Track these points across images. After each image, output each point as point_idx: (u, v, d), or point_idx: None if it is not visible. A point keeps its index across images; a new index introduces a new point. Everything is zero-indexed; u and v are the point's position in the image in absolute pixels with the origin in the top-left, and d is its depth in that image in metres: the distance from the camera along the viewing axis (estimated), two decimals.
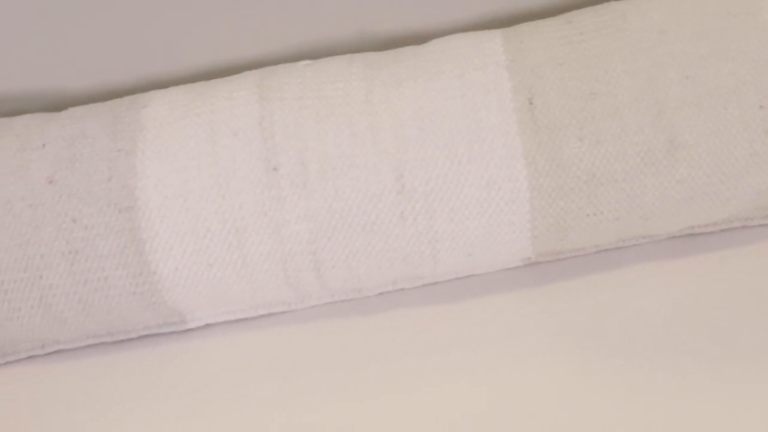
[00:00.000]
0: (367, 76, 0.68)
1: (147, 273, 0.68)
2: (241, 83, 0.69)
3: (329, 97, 0.67)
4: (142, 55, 0.74)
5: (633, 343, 0.67)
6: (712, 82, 0.64)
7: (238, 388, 0.69)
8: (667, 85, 0.64)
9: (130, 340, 0.75)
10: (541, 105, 0.65)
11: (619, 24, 0.67)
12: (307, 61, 0.71)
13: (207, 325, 0.74)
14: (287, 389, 0.67)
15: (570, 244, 0.69)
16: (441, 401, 0.64)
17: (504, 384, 0.65)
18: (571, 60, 0.66)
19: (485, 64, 0.67)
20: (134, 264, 0.68)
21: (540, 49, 0.67)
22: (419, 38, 0.73)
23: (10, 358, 0.75)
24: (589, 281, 0.71)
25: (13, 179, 0.69)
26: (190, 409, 0.68)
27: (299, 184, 0.66)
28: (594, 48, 0.67)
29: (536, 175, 0.65)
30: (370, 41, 0.74)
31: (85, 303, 0.69)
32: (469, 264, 0.69)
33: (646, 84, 0.65)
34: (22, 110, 0.75)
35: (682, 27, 0.66)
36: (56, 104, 0.75)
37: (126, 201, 0.67)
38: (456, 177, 0.65)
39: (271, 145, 0.66)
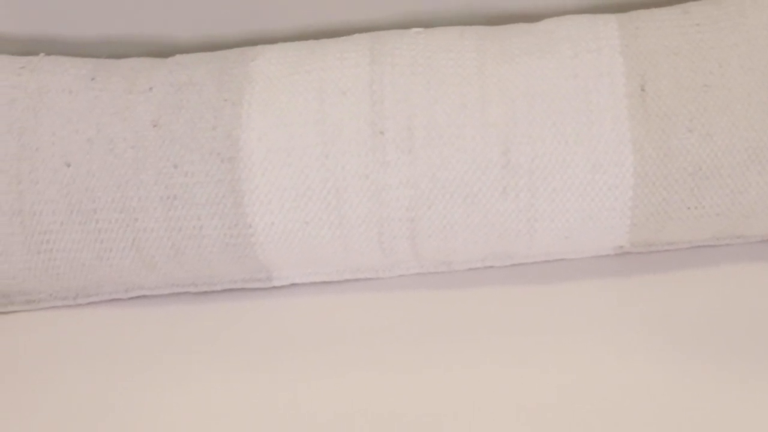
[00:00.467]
0: (479, 49, 0.68)
1: (242, 225, 0.69)
2: (352, 45, 0.70)
3: (441, 66, 0.68)
4: (251, 9, 0.75)
5: (717, 342, 0.67)
6: None
7: (317, 350, 0.69)
8: None
9: (214, 292, 0.76)
10: (653, 92, 0.66)
11: (736, 18, 0.68)
12: (419, 29, 0.71)
13: (292, 285, 0.75)
14: (366, 355, 0.68)
15: (666, 236, 0.69)
16: (518, 381, 0.64)
17: (583, 369, 0.65)
18: (686, 50, 0.66)
19: (600, 47, 0.67)
20: (231, 215, 0.69)
21: (655, 37, 0.67)
22: (527, 18, 0.73)
23: (93, 298, 0.76)
24: (680, 277, 0.71)
25: (118, 120, 0.70)
26: (266, 364, 0.68)
27: (404, 149, 0.66)
28: (710, 40, 0.67)
29: (642, 163, 0.65)
30: (478, 16, 0.74)
31: (176, 250, 0.70)
32: (563, 247, 0.70)
33: (761, 81, 0.65)
34: (127, 55, 0.76)
35: None
36: (160, 52, 0.76)
37: (229, 151, 0.68)
38: (562, 157, 0.65)
39: (380, 108, 0.67)
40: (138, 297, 0.77)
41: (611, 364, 0.65)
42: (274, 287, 0.75)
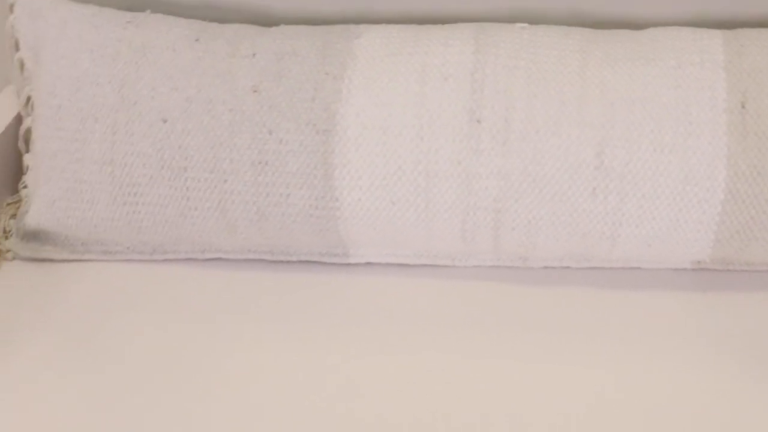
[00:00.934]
0: (582, 50, 0.70)
1: (329, 198, 0.70)
2: (458, 32, 0.71)
3: (543, 62, 0.69)
4: None
5: None
6: None
7: (382, 328, 0.71)
8: None
9: (288, 262, 0.77)
10: (753, 110, 0.67)
11: None
12: (523, 24, 0.73)
13: (367, 263, 0.76)
14: (429, 339, 0.69)
15: (747, 256, 0.70)
16: (580, 382, 0.65)
17: (644, 377, 0.65)
18: None
19: (703, 60, 0.68)
20: (319, 186, 0.70)
21: (759, 56, 0.68)
22: (632, 26, 0.74)
23: (169, 256, 0.78)
24: (756, 299, 0.72)
25: (219, 82, 0.72)
26: (329, 336, 0.70)
27: (499, 140, 0.68)
28: None
29: (735, 179, 0.66)
30: (583, 19, 0.75)
31: (260, 215, 0.72)
32: (644, 255, 0.71)
33: None
34: (228, 21, 0.78)
35: None
36: (261, 23, 0.78)
37: (325, 123, 0.70)
38: (656, 164, 0.67)
39: (479, 97, 0.68)
40: (213, 259, 0.78)
41: (676, 375, 0.66)
42: (349, 264, 0.76)
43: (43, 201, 0.77)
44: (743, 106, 0.67)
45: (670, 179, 0.67)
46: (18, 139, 0.82)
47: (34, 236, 0.79)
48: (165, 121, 0.72)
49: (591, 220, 0.68)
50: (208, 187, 0.72)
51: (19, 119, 0.83)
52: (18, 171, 0.83)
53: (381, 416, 0.63)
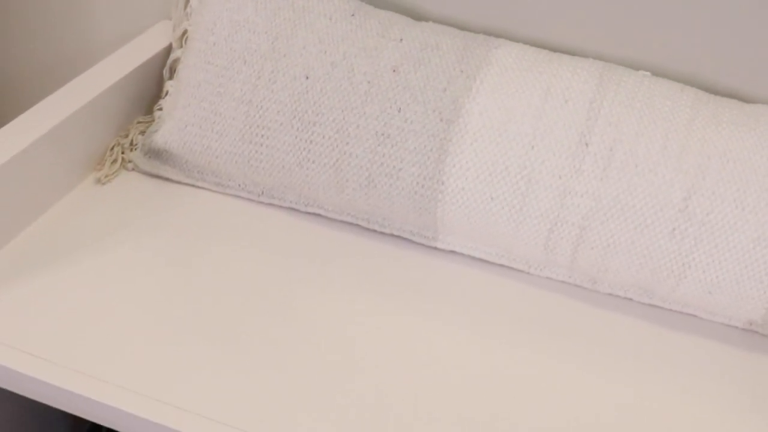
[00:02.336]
0: (694, 106, 0.80)
1: (436, 180, 0.81)
2: (587, 65, 0.82)
3: (656, 108, 0.79)
4: (501, 8, 0.88)
5: None
6: None
7: (449, 315, 0.80)
8: None
9: (381, 233, 0.87)
10: None
11: None
12: (646, 72, 0.83)
13: (452, 252, 0.86)
14: (494, 332, 0.79)
15: None
16: (601, 396, 0.74)
17: (665, 407, 0.74)
18: None
19: None
20: (431, 168, 0.81)
21: None
22: (741, 98, 0.85)
23: (274, 201, 0.89)
24: None
25: (364, 56, 0.83)
26: (399, 309, 0.80)
27: (600, 165, 0.78)
28: None
29: None
30: (698, 82, 0.86)
31: (370, 182, 0.83)
32: (702, 302, 0.80)
33: None
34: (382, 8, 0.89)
35: None
36: (411, 17, 0.89)
37: (450, 114, 0.80)
38: (734, 219, 0.76)
39: (593, 124, 0.79)
40: (313, 214, 0.88)
41: (694, 411, 0.75)
42: (435, 248, 0.86)
43: (177, 123, 0.88)
44: None
45: (743, 236, 0.76)
46: (164, 67, 0.93)
47: (157, 154, 0.90)
48: (307, 78, 0.83)
49: (664, 256, 0.78)
50: (330, 144, 0.83)
51: (168, 50, 0.94)
52: (156, 95, 0.94)
53: (414, 380, 0.72)
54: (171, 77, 0.92)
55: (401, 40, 0.83)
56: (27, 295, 0.76)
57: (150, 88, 0.94)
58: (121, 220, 0.85)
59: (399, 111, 0.81)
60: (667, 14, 0.85)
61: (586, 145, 0.78)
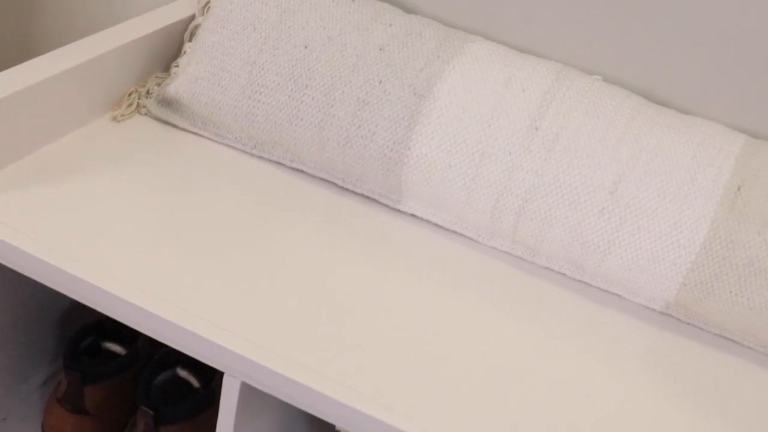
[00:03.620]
0: (635, 108, 0.94)
1: (403, 145, 0.95)
2: (546, 64, 0.97)
3: (601, 105, 0.94)
4: (483, 11, 1.03)
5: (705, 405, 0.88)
6: None
7: (405, 267, 0.94)
8: None
9: (352, 192, 1.02)
10: (745, 195, 0.90)
11: None
12: (598, 77, 0.98)
13: (412, 215, 1.00)
14: (441, 285, 0.92)
15: (703, 309, 0.92)
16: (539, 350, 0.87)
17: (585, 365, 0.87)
18: None
19: (722, 147, 0.92)
20: (400, 133, 0.95)
21: (766, 160, 0.92)
22: (681, 110, 0.99)
23: (264, 155, 1.03)
24: (701, 353, 0.93)
25: (357, 34, 0.98)
26: (362, 258, 0.93)
27: (546, 147, 0.92)
28: None
29: (712, 239, 0.89)
30: (646, 95, 1.01)
31: (347, 141, 0.97)
32: (624, 278, 0.93)
33: None
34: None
35: None
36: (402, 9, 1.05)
37: (423, 90, 0.95)
38: (656, 206, 0.90)
39: (544, 111, 0.93)
40: (297, 170, 1.03)
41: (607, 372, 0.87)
42: (399, 211, 1.00)
43: (189, 77, 1.03)
44: (739, 189, 0.90)
45: (663, 221, 0.90)
46: (185, 31, 1.09)
47: (168, 103, 1.06)
48: (306, 47, 0.98)
49: (592, 232, 0.92)
50: (317, 105, 0.97)
51: (190, 19, 1.10)
52: (175, 56, 1.10)
53: (373, 316, 0.86)
54: (190, 40, 1.08)
55: (390, 25, 0.99)
56: (37, 196, 0.91)
57: (170, 49, 1.10)
58: (128, 152, 1.00)
59: (380, 83, 0.96)
60: (629, 34, 1.00)
61: (536, 129, 0.93)
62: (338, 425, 0.79)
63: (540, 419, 0.80)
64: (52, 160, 0.96)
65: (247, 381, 0.80)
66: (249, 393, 0.83)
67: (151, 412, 0.97)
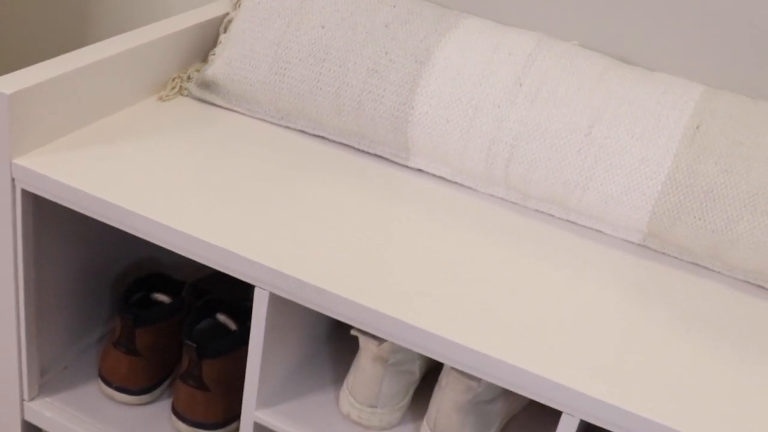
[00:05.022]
0: (607, 66, 1.12)
1: (408, 105, 1.13)
2: (530, 33, 1.15)
3: (578, 62, 1.11)
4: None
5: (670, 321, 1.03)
6: None
7: (418, 211, 1.10)
8: None
9: (367, 153, 1.20)
10: (703, 132, 1.06)
11: None
12: (576, 42, 1.16)
13: (419, 170, 1.18)
14: (449, 230, 1.08)
15: (673, 236, 1.08)
16: (531, 274, 1.02)
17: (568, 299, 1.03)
18: (738, 119, 1.07)
19: (683, 94, 1.09)
20: (405, 95, 1.13)
21: (724, 104, 1.08)
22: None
23: (290, 124, 1.22)
24: (675, 276, 1.09)
25: (366, 14, 1.17)
26: (378, 205, 1.09)
27: (529, 99, 1.10)
28: (756, 118, 1.07)
29: (675, 171, 1.05)
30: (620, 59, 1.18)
31: (360, 105, 1.15)
32: (602, 212, 1.09)
33: None
34: None
35: None
36: None
37: (423, 57, 1.14)
38: (626, 144, 1.07)
39: (527, 70, 1.11)
40: (319, 136, 1.21)
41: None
42: (407, 167, 1.18)
43: (224, 59, 1.23)
44: (698, 128, 1.07)
45: (632, 157, 1.06)
46: (220, 25, 1.29)
47: (206, 85, 1.25)
48: (323, 27, 1.17)
49: (572, 170, 1.09)
50: (333, 75, 1.16)
51: (225, 14, 1.30)
52: (213, 48, 1.30)
53: (385, 245, 1.03)
54: (225, 32, 1.27)
55: (394, 6, 1.17)
56: (98, 153, 1.10)
57: (208, 43, 1.29)
58: (173, 124, 1.19)
59: (386, 54, 1.15)
60: (605, 8, 1.18)
61: (520, 85, 1.11)
62: (356, 325, 0.95)
63: (533, 324, 0.95)
64: (109, 129, 1.15)
65: (275, 291, 0.97)
66: (277, 303, 1.00)
67: (195, 345, 1.14)
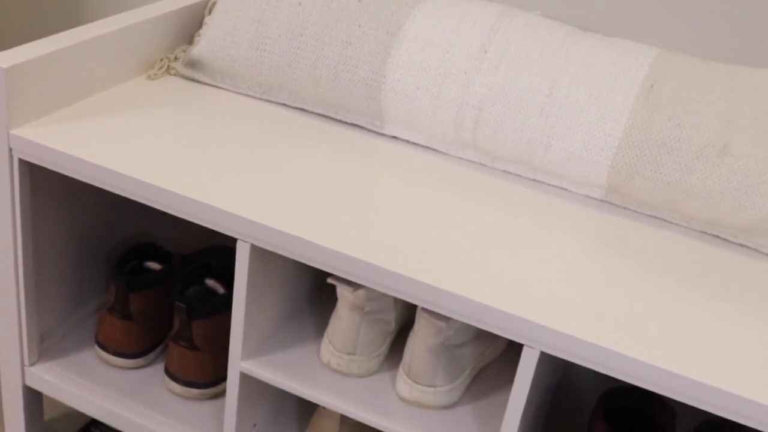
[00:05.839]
0: (567, 33, 1.20)
1: (381, 74, 1.22)
2: (495, 4, 1.23)
3: (538, 32, 1.20)
4: None
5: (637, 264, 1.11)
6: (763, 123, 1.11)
7: (393, 174, 1.18)
8: (739, 114, 1.12)
9: (345, 123, 1.28)
10: (657, 91, 1.15)
11: (727, 78, 1.16)
12: (538, 12, 1.24)
13: (393, 137, 1.26)
14: (422, 186, 1.16)
15: (633, 190, 1.16)
16: (497, 226, 1.11)
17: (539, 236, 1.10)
18: (690, 78, 1.15)
19: (638, 57, 1.17)
20: (378, 64, 1.22)
21: (677, 65, 1.17)
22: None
23: (272, 98, 1.30)
24: (635, 228, 1.17)
25: None
26: (357, 167, 1.17)
27: (493, 65, 1.18)
28: (706, 77, 1.16)
29: (631, 126, 1.14)
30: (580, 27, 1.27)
31: (336, 76, 1.24)
32: (565, 169, 1.18)
33: (728, 108, 1.13)
34: None
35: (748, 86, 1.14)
36: None
37: (394, 29, 1.22)
38: (585, 102, 1.15)
39: (491, 38, 1.19)
40: (299, 108, 1.30)
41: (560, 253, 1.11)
42: (383, 134, 1.27)
43: (208, 39, 1.31)
44: (652, 86, 1.15)
45: (590, 115, 1.15)
46: (205, 8, 1.38)
47: (192, 64, 1.34)
48: (300, 4, 1.26)
49: (535, 130, 1.17)
50: (310, 49, 1.25)
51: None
52: (198, 29, 1.39)
53: (362, 201, 1.11)
54: (210, 14, 1.36)
55: None
56: (91, 126, 1.18)
57: (194, 25, 1.38)
58: (161, 100, 1.27)
59: (359, 27, 1.23)
60: None
61: (485, 51, 1.19)
62: (332, 272, 1.03)
63: (497, 269, 1.03)
64: (100, 104, 1.24)
65: (256, 243, 1.06)
66: (258, 255, 1.08)
67: (184, 306, 1.22)
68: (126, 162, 1.10)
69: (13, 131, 1.13)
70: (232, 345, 1.13)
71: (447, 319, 1.05)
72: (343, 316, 1.10)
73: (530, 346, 0.96)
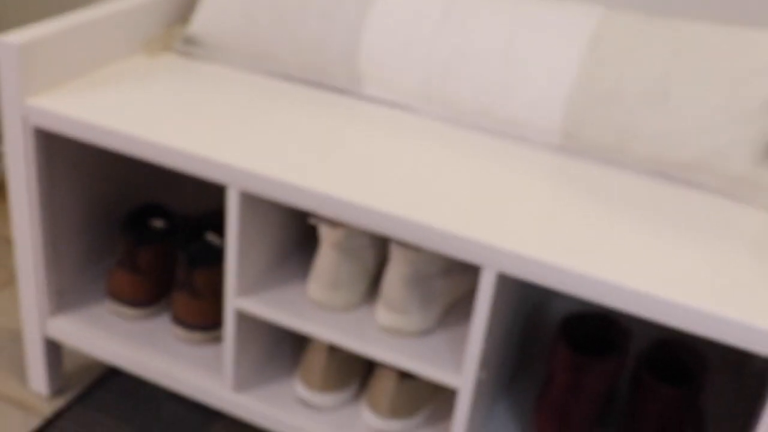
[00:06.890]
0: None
1: (358, 33, 1.36)
2: None
3: (499, 2, 1.35)
4: None
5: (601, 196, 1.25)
6: (703, 74, 1.25)
7: (375, 128, 1.34)
8: (679, 63, 1.25)
9: (325, 87, 1.43)
10: (604, 44, 1.29)
11: (669, 32, 1.30)
12: None
13: (371, 98, 1.41)
14: (399, 137, 1.31)
15: (586, 136, 1.30)
16: (463, 166, 1.25)
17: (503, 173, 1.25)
18: (634, 32, 1.29)
19: (588, 13, 1.31)
20: (355, 29, 1.36)
21: (622, 21, 1.31)
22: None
23: (265, 68, 1.46)
24: (592, 168, 1.31)
25: None
26: (338, 121, 1.32)
27: (457, 27, 1.32)
28: (649, 31, 1.29)
29: (581, 77, 1.28)
30: None
31: (321, 42, 1.38)
32: (525, 117, 1.31)
33: (669, 57, 1.27)
34: None
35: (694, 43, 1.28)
36: None
37: (369, 2, 1.37)
38: (540, 57, 1.29)
39: (453, 5, 1.34)
40: (284, 76, 1.45)
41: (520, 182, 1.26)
42: (362, 95, 1.41)
43: (202, 16, 1.46)
44: (598, 41, 1.29)
45: (545, 67, 1.29)
46: None
47: (188, 41, 1.49)
48: None
49: (496, 81, 1.31)
50: (299, 20, 1.39)
51: None
52: (194, 8, 1.55)
53: (343, 152, 1.26)
54: None
55: None
56: (95, 96, 1.34)
57: (190, 8, 1.54)
58: (160, 73, 1.42)
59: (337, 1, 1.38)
60: None
61: (449, 15, 1.34)
62: (317, 212, 1.17)
63: (462, 203, 1.17)
64: (105, 77, 1.39)
65: (245, 189, 1.20)
66: (248, 202, 1.23)
67: (186, 255, 1.37)
68: (129, 124, 1.25)
69: (28, 102, 1.29)
70: (227, 285, 1.27)
71: (416, 250, 1.19)
72: (326, 254, 1.25)
73: (487, 267, 1.10)
